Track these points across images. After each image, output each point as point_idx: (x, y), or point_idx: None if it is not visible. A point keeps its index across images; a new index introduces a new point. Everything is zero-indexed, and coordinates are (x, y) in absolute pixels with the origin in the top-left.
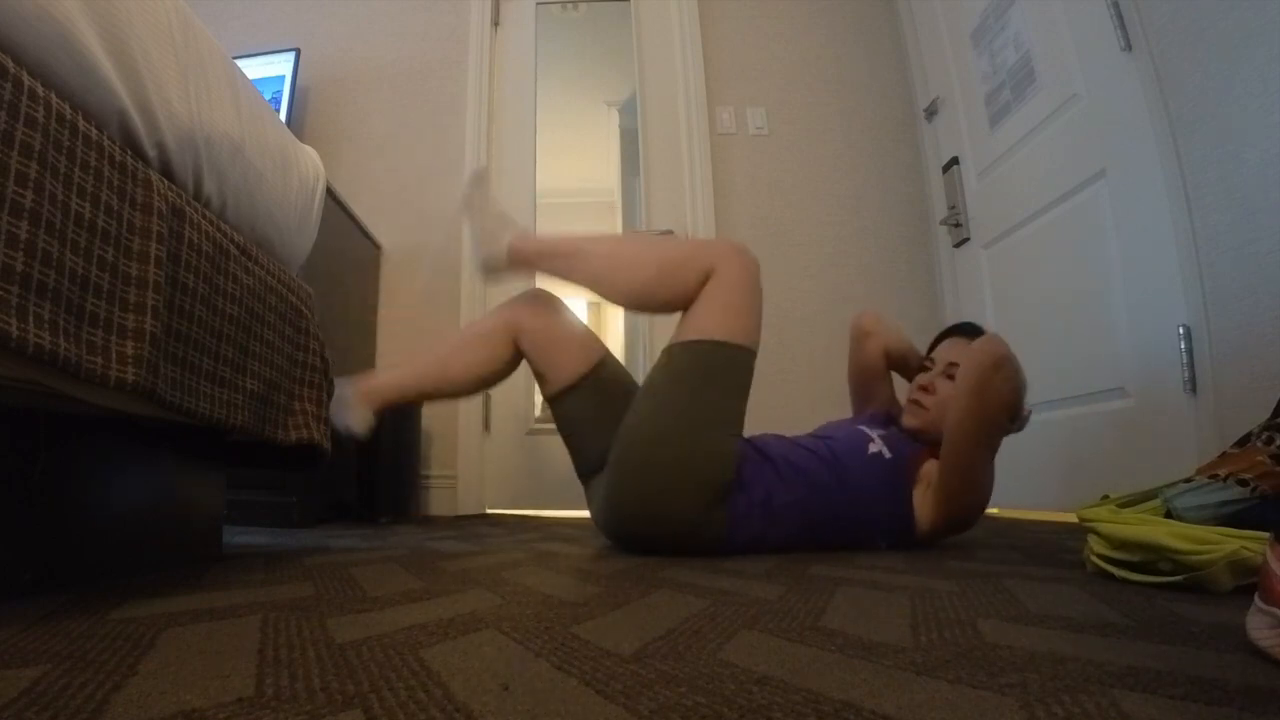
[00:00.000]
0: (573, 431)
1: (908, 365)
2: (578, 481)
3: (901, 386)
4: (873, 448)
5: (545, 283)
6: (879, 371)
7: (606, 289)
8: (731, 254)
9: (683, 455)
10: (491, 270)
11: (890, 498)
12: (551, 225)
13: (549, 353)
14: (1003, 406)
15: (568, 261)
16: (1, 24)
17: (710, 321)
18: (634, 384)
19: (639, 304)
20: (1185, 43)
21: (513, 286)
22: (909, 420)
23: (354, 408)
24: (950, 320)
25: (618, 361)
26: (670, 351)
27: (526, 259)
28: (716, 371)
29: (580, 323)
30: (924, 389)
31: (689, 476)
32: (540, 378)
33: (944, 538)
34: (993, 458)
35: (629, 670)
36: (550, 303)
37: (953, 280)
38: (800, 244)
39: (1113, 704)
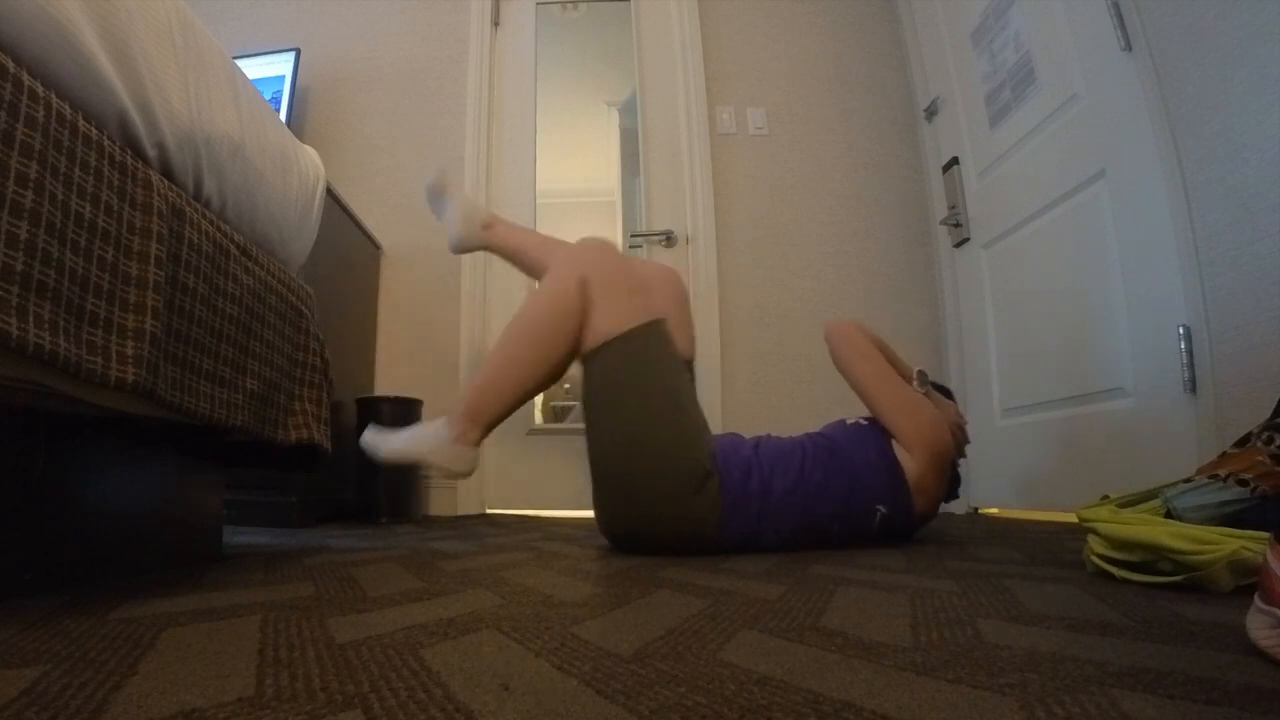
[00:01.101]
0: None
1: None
2: (577, 481)
3: None
4: (850, 420)
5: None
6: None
7: (544, 384)
8: (585, 256)
9: (648, 453)
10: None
11: (877, 452)
12: (552, 225)
13: (615, 294)
14: (848, 347)
15: (497, 400)
16: (1, 24)
17: (600, 323)
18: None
19: (577, 357)
20: (1185, 43)
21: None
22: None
23: (469, 229)
24: (950, 320)
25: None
26: (587, 364)
27: (469, 432)
28: (632, 365)
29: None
30: None
31: (663, 470)
32: (596, 323)
33: (935, 481)
34: (901, 384)
35: (629, 670)
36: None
37: (953, 280)
38: (800, 244)
39: (1113, 704)
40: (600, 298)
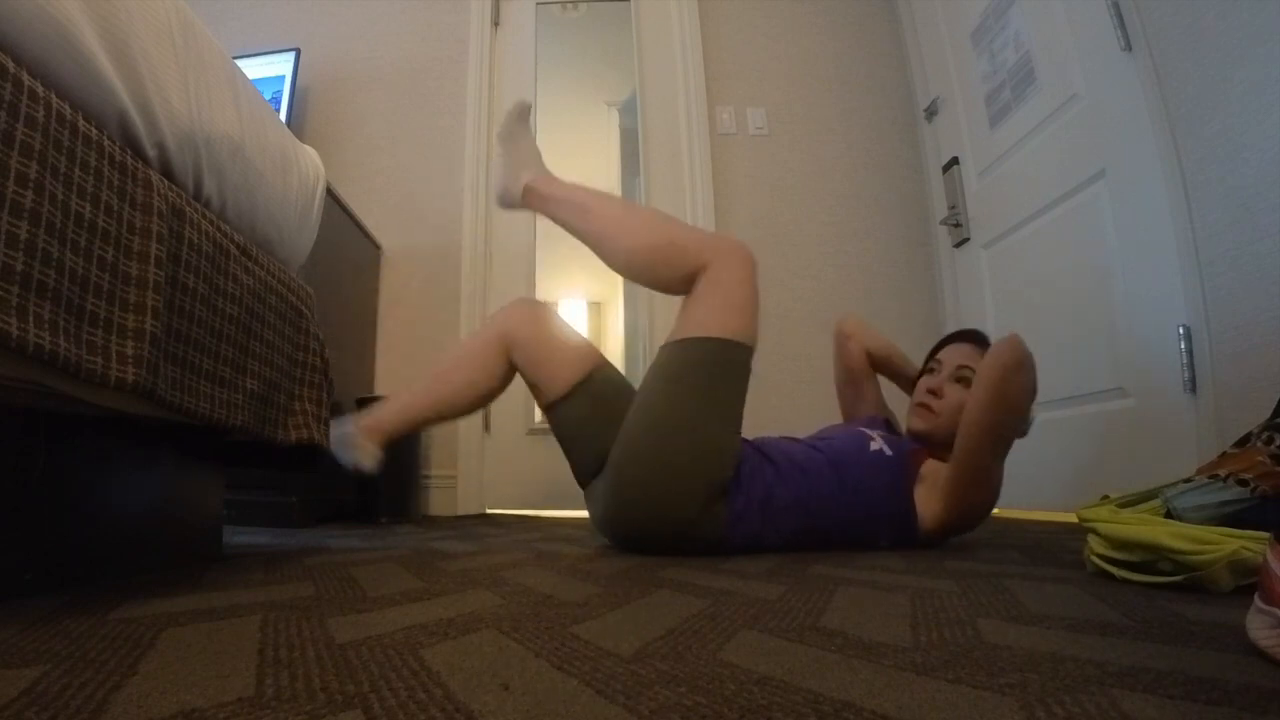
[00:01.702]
0: (569, 439)
1: (892, 366)
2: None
3: (889, 391)
4: (874, 445)
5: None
6: (864, 373)
7: (606, 250)
8: (732, 251)
9: (683, 451)
10: (506, 204)
11: (892, 495)
12: (552, 225)
13: (541, 365)
14: (1021, 406)
15: (579, 213)
16: (2, 24)
17: (709, 318)
18: (630, 389)
19: (633, 273)
20: (1185, 43)
21: (509, 293)
22: (915, 423)
23: (360, 445)
24: (950, 320)
25: (613, 368)
26: (669, 349)
27: (539, 201)
28: (716, 368)
29: (573, 332)
30: (933, 392)
31: (689, 473)
32: (534, 389)
33: (949, 537)
34: (1004, 458)
35: (629, 670)
36: (541, 313)
37: (953, 280)
38: (800, 244)
39: (1113, 704)
40: (713, 292)
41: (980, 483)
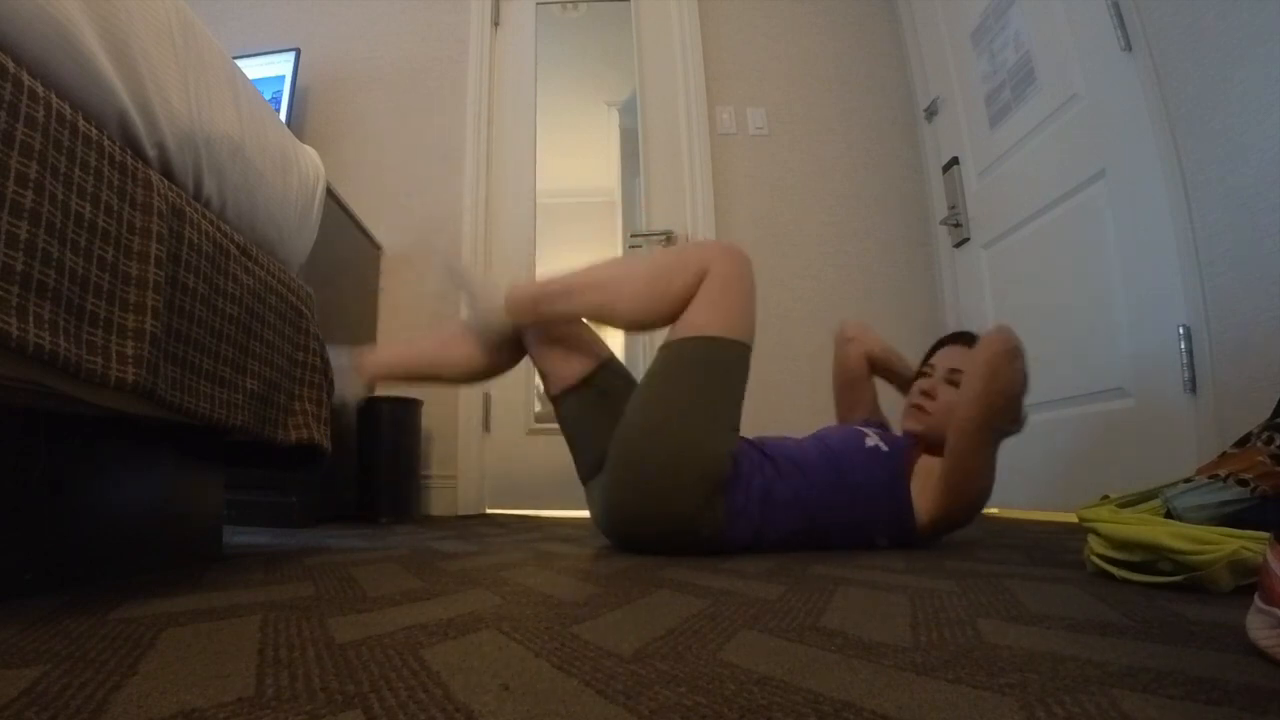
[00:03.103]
0: (574, 432)
1: (892, 370)
2: (578, 481)
3: (885, 393)
4: (869, 441)
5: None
6: (861, 376)
7: (608, 316)
8: (721, 252)
9: (680, 450)
10: (491, 328)
11: (888, 488)
12: (552, 225)
13: (553, 352)
14: (1012, 394)
15: (566, 300)
16: (2, 24)
17: (704, 318)
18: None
19: (642, 323)
20: (1185, 43)
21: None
22: (910, 424)
23: (350, 377)
24: (950, 320)
25: (621, 365)
26: (667, 349)
27: (524, 306)
28: (714, 367)
29: (584, 325)
30: (926, 394)
31: (686, 471)
32: (543, 375)
33: (943, 532)
34: (995, 450)
35: (629, 670)
36: None
37: (953, 280)
38: (800, 244)
39: (1113, 704)
40: (711, 294)
41: (974, 475)
